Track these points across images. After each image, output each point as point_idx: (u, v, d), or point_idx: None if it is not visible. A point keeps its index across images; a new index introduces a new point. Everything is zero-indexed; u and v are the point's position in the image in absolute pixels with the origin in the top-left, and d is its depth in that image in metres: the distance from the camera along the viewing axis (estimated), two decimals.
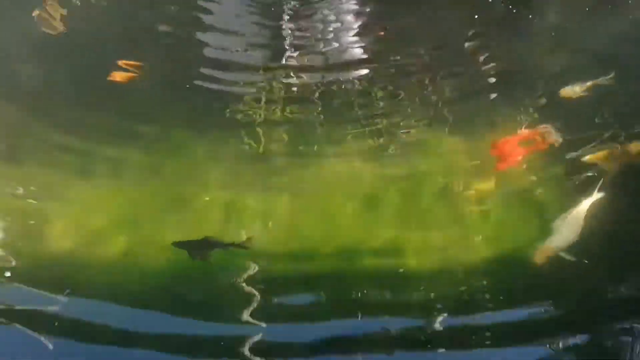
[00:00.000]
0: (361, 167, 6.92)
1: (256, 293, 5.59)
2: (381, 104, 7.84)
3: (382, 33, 8.61)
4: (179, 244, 5.78)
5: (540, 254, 5.68)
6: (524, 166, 6.57)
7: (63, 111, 7.48)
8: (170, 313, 5.46)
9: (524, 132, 6.79)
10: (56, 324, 5.28)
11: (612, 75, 7.21)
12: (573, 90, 7.18)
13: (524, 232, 6.03)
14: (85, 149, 6.89)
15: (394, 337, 5.30)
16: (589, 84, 7.18)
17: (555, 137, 6.70)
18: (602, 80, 7.19)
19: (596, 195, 5.99)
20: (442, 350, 5.24)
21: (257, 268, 5.81)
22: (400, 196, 6.52)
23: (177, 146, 7.08)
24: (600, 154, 6.49)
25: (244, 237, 5.94)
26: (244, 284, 5.67)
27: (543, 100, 7.42)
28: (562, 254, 5.65)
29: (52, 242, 5.99)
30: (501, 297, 5.51)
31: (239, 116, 7.59)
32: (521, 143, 6.69)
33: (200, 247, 5.81)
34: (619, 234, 5.87)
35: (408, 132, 7.33)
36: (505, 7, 8.85)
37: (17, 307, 5.43)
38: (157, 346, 5.22)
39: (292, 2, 9.74)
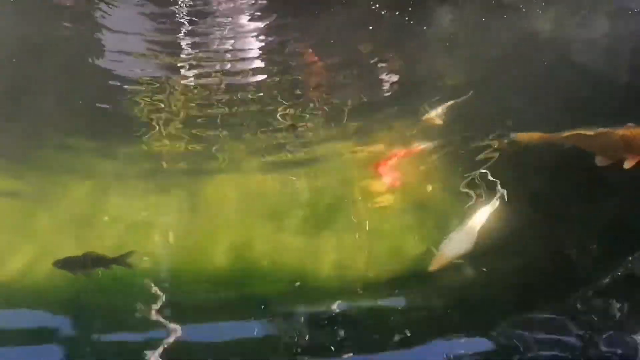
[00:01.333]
0: (260, 180, 7.00)
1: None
2: (283, 116, 7.87)
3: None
4: (59, 263, 5.63)
5: (436, 263, 5.76)
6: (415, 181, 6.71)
7: None
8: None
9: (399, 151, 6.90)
10: None
11: (469, 94, 7.42)
12: (436, 114, 7.32)
13: (421, 242, 6.13)
14: None
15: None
16: (449, 104, 7.36)
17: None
18: (461, 100, 7.40)
19: (491, 205, 6.14)
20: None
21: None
22: (298, 208, 6.60)
23: (76, 162, 7.02)
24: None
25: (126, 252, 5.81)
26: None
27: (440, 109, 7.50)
28: (457, 262, 5.75)
29: None
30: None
31: (139, 128, 7.56)
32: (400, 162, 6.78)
33: (81, 264, 5.66)
34: (513, 243, 5.99)
35: (308, 144, 7.43)
36: (398, 18, 9.01)
37: None
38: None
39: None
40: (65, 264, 5.64)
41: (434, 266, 5.75)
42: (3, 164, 6.83)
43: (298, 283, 5.76)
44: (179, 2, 9.86)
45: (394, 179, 6.62)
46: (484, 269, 5.76)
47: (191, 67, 8.83)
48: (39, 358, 5.16)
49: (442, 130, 7.22)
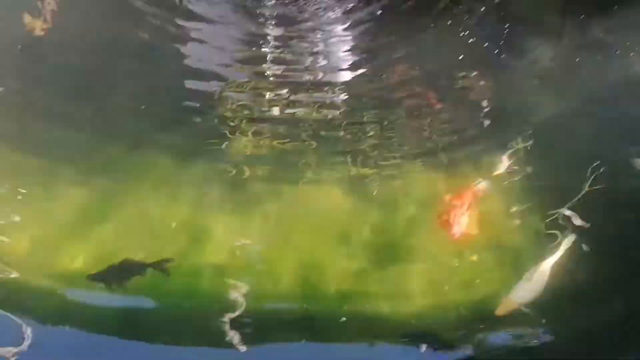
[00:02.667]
0: (339, 199, 6.90)
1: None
2: (369, 135, 7.78)
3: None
4: (94, 277, 5.67)
5: (503, 307, 5.68)
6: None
7: (30, 118, 7.45)
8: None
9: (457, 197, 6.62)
10: None
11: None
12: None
13: (495, 281, 6.02)
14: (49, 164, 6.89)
15: None
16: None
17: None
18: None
19: (565, 249, 5.99)
20: None
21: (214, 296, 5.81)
22: (373, 233, 6.51)
23: (146, 163, 7.08)
24: None
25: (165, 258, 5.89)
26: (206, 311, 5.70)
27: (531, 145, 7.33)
28: (524, 309, 5.64)
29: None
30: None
31: (216, 131, 7.59)
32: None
33: (118, 274, 5.69)
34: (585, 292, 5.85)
35: (393, 167, 7.35)
36: (490, 49, 8.88)
37: None
38: None
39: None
40: (101, 275, 5.67)
41: (500, 311, 5.66)
42: (74, 166, 6.95)
43: (344, 319, 5.72)
44: (266, 15, 9.83)
45: (463, 229, 6.35)
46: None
47: (278, 77, 8.83)
48: None
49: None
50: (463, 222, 6.31)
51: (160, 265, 5.78)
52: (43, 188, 6.62)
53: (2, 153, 6.89)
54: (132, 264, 5.75)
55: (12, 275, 5.78)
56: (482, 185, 6.68)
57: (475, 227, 6.35)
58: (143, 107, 7.72)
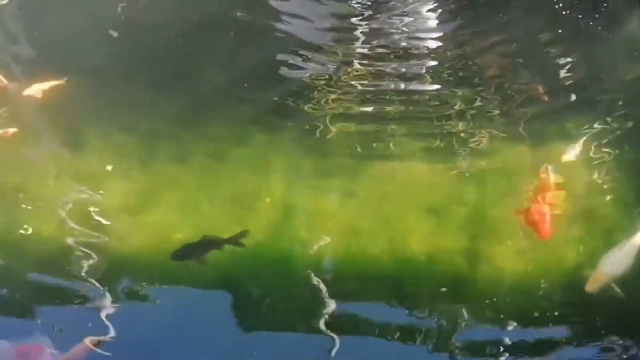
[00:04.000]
0: (428, 173, 7.02)
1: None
2: (456, 107, 7.85)
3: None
4: (177, 255, 5.82)
5: (593, 281, 5.61)
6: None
7: (129, 96, 7.74)
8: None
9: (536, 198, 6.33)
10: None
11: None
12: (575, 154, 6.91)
13: (583, 254, 6.04)
14: (151, 137, 7.19)
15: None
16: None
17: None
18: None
19: None
20: None
21: (313, 272, 5.97)
22: (464, 206, 6.61)
23: (241, 140, 7.28)
24: None
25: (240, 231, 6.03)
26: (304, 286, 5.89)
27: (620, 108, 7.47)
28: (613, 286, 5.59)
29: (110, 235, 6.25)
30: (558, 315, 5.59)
31: (307, 108, 7.76)
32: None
33: (198, 251, 5.86)
34: None
35: (480, 140, 7.38)
36: (579, 18, 8.84)
37: None
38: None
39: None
40: (183, 253, 5.83)
41: (591, 285, 5.60)
42: (171, 139, 7.23)
43: (444, 289, 5.85)
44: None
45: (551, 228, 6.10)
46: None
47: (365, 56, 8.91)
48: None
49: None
50: (549, 221, 6.06)
51: (236, 240, 5.95)
52: (143, 166, 6.91)
53: (108, 134, 7.21)
54: (210, 241, 5.92)
55: (117, 251, 6.09)
56: (550, 170, 6.54)
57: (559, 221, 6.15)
58: (245, 85, 8.00)
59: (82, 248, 6.07)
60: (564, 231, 6.18)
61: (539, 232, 5.98)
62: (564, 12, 8.94)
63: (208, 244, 5.90)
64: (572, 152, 6.85)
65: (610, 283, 5.58)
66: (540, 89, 7.90)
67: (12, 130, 7.01)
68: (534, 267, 5.96)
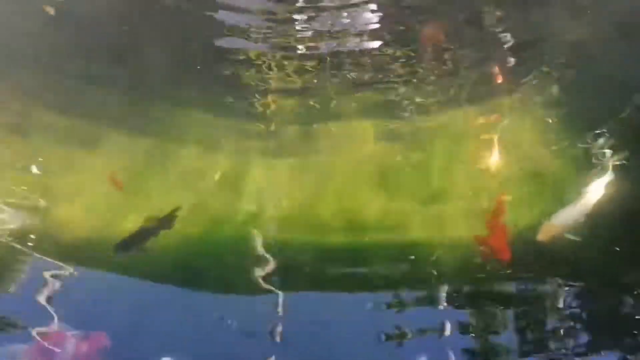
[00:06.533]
0: (373, 142, 7.15)
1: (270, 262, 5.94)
2: (398, 76, 7.91)
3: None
4: (119, 248, 5.90)
5: (545, 232, 5.84)
6: None
7: (71, 87, 7.71)
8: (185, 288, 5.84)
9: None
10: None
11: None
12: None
13: (535, 210, 6.22)
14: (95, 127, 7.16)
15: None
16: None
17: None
18: None
19: (609, 177, 6.19)
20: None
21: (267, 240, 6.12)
22: (411, 172, 6.78)
23: (185, 120, 7.35)
24: None
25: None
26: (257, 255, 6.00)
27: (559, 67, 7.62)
28: (568, 234, 5.81)
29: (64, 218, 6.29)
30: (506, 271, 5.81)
31: (248, 82, 7.83)
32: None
33: (138, 240, 5.97)
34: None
35: (425, 109, 7.51)
36: None
37: None
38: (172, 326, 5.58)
39: None
40: (125, 246, 5.92)
41: (542, 235, 5.82)
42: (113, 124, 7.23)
43: (413, 257, 6.00)
44: None
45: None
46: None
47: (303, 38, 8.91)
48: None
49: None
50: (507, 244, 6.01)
51: (169, 220, 6.11)
52: (90, 150, 6.91)
53: (51, 119, 7.19)
54: (145, 229, 6.02)
55: (70, 237, 6.12)
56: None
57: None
58: (198, 67, 8.05)
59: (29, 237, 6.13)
60: (516, 193, 6.37)
61: (499, 256, 5.93)
62: None
63: (144, 232, 6.00)
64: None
65: (562, 233, 5.81)
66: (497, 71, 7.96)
67: None
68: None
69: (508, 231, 5.99)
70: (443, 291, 5.77)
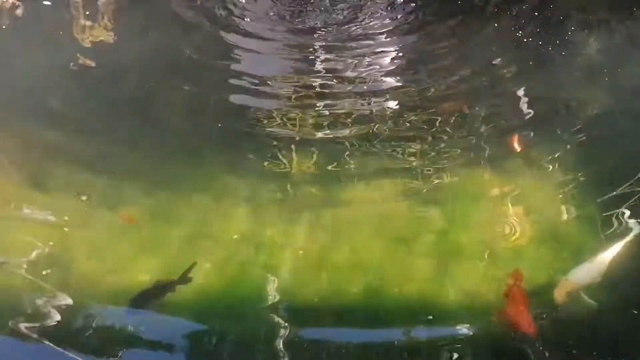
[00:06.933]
0: (392, 204, 7.17)
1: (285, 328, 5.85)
2: (416, 139, 8.06)
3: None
4: (134, 302, 5.89)
5: (561, 290, 5.81)
6: None
7: (92, 142, 7.80)
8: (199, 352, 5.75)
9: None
10: None
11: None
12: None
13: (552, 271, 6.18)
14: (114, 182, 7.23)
15: None
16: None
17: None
18: None
19: (628, 239, 6.15)
20: None
21: (284, 302, 6.07)
22: (430, 234, 6.75)
23: (208, 178, 7.43)
24: None
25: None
26: (272, 318, 5.93)
27: (578, 132, 7.65)
28: (583, 295, 5.78)
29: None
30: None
31: (269, 143, 7.97)
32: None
33: (154, 295, 5.97)
34: None
35: (442, 170, 7.53)
36: (538, 44, 9.12)
37: None
38: None
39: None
40: (140, 301, 5.92)
41: (558, 293, 5.79)
42: (137, 182, 7.27)
43: (430, 317, 5.93)
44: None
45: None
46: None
47: (324, 87, 9.19)
48: None
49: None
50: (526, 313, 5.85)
51: (185, 277, 6.11)
52: (109, 205, 6.97)
53: (70, 172, 7.28)
54: (162, 285, 6.03)
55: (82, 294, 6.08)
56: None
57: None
58: (220, 125, 8.18)
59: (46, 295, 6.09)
60: (534, 253, 6.36)
61: (524, 330, 5.73)
62: (525, 40, 9.24)
63: (161, 288, 6.00)
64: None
65: (578, 292, 5.77)
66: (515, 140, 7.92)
67: None
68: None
69: (529, 304, 5.85)
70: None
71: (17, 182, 7.16)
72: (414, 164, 7.64)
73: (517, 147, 7.62)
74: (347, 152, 7.86)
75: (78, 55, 8.86)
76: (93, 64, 8.88)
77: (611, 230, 6.39)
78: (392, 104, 8.69)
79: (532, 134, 7.86)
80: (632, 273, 6.00)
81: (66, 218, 6.81)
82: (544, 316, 5.79)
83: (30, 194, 7.05)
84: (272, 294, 6.15)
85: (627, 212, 6.50)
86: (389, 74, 9.35)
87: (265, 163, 7.69)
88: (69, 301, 5.97)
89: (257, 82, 9.15)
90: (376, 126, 8.26)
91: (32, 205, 6.92)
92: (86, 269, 6.29)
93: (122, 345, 5.64)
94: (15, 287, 6.08)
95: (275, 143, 7.99)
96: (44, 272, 6.19)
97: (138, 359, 5.65)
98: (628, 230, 6.32)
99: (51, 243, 6.49)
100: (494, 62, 9.17)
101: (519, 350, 5.63)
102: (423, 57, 9.73)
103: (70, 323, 5.81)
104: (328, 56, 9.90)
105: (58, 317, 5.80)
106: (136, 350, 5.67)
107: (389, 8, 10.95)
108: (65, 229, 6.68)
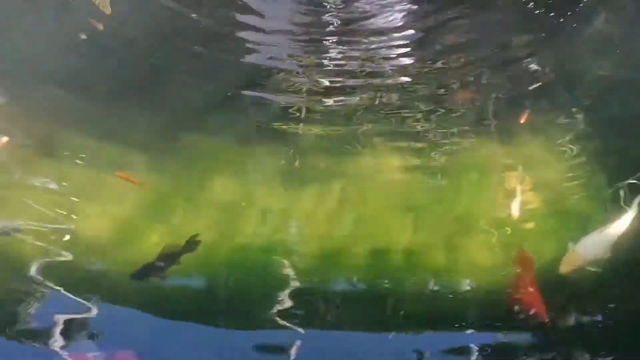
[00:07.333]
0: (399, 173, 7.20)
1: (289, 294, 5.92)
2: (423, 108, 8.05)
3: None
4: (136, 275, 5.92)
5: (567, 262, 5.78)
6: None
7: (104, 110, 7.84)
8: (202, 320, 5.79)
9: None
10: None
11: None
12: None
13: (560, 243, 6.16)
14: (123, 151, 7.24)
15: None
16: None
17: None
18: None
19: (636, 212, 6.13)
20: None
21: (290, 269, 6.13)
22: (437, 203, 6.82)
23: (213, 151, 7.45)
24: None
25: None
26: (278, 285, 5.99)
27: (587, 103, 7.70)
28: (589, 266, 5.78)
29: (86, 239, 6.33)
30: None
31: (276, 119, 7.94)
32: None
33: (156, 268, 5.96)
34: None
35: (450, 140, 7.54)
36: (550, 15, 9.10)
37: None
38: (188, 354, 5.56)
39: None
40: (143, 273, 5.94)
41: (564, 267, 5.76)
42: (147, 152, 7.29)
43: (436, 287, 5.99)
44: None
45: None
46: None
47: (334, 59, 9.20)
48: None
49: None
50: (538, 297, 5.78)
51: (189, 246, 6.12)
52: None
53: (79, 141, 7.29)
54: (166, 256, 6.02)
55: (93, 262, 6.20)
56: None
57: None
58: (229, 93, 8.24)
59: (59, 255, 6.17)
60: (540, 226, 6.40)
61: (536, 316, 5.67)
62: (536, 12, 9.23)
63: (165, 259, 6.00)
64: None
65: (584, 266, 5.77)
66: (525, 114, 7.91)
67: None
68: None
69: (538, 284, 5.81)
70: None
71: (26, 147, 7.21)
72: (422, 134, 7.64)
73: (526, 120, 7.60)
74: (356, 121, 7.87)
75: (91, 19, 8.82)
76: (102, 29, 8.83)
77: (619, 202, 6.38)
78: (402, 76, 8.65)
79: (541, 105, 7.82)
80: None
81: (75, 184, 6.85)
82: (551, 288, 5.78)
83: (39, 160, 7.09)
84: (278, 262, 6.20)
85: (638, 184, 6.49)
86: (399, 46, 9.27)
87: (273, 131, 7.71)
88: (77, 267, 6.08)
89: (265, 45, 9.17)
90: (385, 96, 8.26)
91: (41, 171, 6.95)
92: (92, 237, 6.34)
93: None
94: (24, 254, 6.14)
95: (282, 112, 8.03)
96: (52, 238, 6.26)
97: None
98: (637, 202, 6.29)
99: (60, 210, 6.52)
100: (503, 33, 9.11)
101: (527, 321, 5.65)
102: (432, 28, 9.65)
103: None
104: (340, 23, 9.91)
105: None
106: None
107: None
108: (74, 197, 6.71)
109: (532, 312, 5.62)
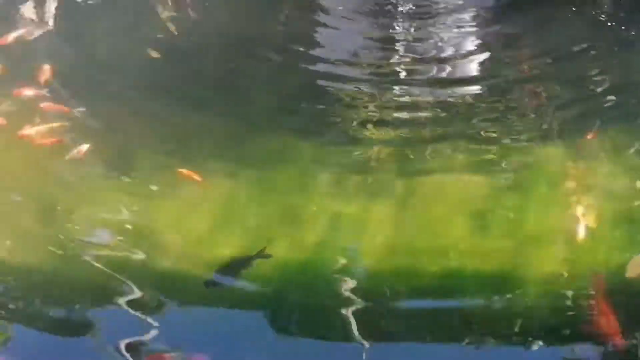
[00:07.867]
0: (470, 183, 7.24)
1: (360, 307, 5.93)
2: (492, 118, 8.16)
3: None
4: (208, 284, 6.00)
5: (633, 267, 5.74)
6: None
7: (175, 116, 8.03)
8: (275, 326, 5.83)
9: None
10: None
11: None
12: None
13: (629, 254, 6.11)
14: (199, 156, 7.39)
15: None
16: None
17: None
18: None
19: None
20: None
21: (358, 282, 6.14)
22: (509, 213, 6.79)
23: (286, 155, 7.58)
24: None
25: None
26: (347, 298, 5.98)
27: None
28: None
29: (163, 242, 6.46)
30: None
31: (347, 124, 8.07)
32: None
33: (229, 274, 6.05)
34: None
35: (519, 149, 7.63)
36: (615, 25, 9.12)
37: None
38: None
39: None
40: (217, 277, 6.04)
41: (631, 272, 5.72)
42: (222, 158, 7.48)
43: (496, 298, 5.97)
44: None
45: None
46: None
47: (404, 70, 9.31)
48: None
49: None
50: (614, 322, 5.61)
51: (261, 254, 6.18)
52: (191, 183, 7.04)
53: (154, 146, 7.54)
54: (238, 262, 6.12)
55: (166, 267, 6.24)
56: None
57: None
58: (302, 105, 8.39)
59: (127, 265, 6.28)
60: (608, 235, 6.37)
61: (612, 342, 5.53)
62: (607, 24, 9.28)
63: (237, 265, 6.10)
64: None
65: None
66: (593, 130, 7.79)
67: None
68: (580, 270, 6.09)
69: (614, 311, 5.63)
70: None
71: (104, 152, 7.35)
72: (492, 141, 7.77)
73: (594, 136, 7.55)
74: (425, 132, 7.96)
75: (166, 23, 9.11)
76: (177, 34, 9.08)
77: None
78: (471, 87, 8.75)
79: (610, 116, 7.86)
80: None
81: (152, 189, 7.03)
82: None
83: (116, 166, 7.29)
84: (348, 270, 6.24)
85: None
86: (467, 56, 9.40)
87: (346, 141, 7.85)
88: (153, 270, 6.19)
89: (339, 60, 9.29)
90: (454, 108, 8.36)
91: (118, 177, 7.20)
92: (170, 243, 6.44)
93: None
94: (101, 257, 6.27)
95: (354, 122, 8.12)
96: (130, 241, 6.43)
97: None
98: None
99: (134, 215, 6.72)
100: (572, 45, 9.11)
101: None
102: (500, 41, 9.77)
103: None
104: (410, 38, 9.97)
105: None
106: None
107: None
108: (149, 202, 6.90)
109: (610, 341, 5.49)
